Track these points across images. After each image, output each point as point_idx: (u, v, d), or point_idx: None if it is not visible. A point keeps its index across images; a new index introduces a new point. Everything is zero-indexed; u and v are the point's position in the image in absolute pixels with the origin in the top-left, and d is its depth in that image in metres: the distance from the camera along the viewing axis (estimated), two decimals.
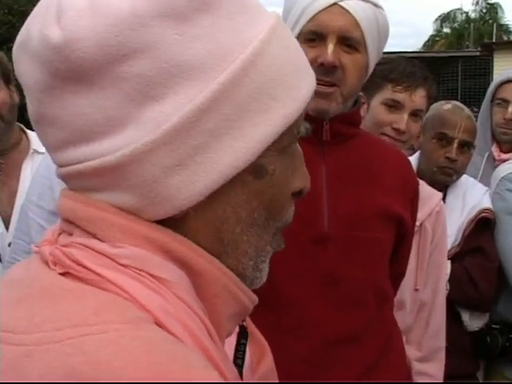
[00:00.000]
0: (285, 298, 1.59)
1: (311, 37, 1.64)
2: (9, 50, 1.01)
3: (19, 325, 0.66)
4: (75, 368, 0.60)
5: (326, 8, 1.62)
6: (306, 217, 1.62)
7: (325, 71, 1.60)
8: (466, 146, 2.59)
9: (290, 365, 1.54)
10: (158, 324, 0.67)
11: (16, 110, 2.54)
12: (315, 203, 1.65)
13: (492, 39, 34.78)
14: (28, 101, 0.75)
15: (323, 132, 1.69)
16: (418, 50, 36.56)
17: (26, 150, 2.63)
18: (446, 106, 2.65)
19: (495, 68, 19.87)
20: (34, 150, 2.59)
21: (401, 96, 2.24)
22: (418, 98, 2.27)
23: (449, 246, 2.49)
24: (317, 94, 1.62)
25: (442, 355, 2.22)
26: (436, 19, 49.84)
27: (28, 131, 2.69)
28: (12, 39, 0.76)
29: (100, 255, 0.70)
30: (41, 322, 0.65)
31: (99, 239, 0.72)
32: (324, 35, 1.62)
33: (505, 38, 40.77)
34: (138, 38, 0.66)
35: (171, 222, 0.73)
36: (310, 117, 1.64)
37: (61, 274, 0.71)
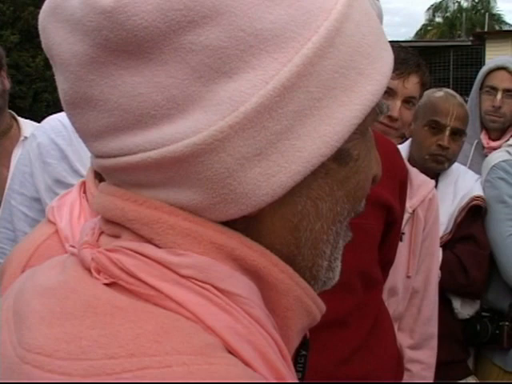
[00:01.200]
0: None
1: None
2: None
3: (59, 348, 0.55)
4: None
5: None
6: None
7: None
8: (458, 133, 2.59)
9: None
10: (228, 349, 0.57)
11: (7, 96, 2.54)
12: None
13: (484, 29, 34.82)
14: (62, 78, 0.62)
15: None
16: (410, 39, 36.51)
17: (16, 137, 2.63)
18: (438, 93, 2.65)
19: (487, 57, 19.86)
20: (25, 137, 2.58)
21: (393, 83, 2.24)
22: (411, 84, 2.27)
23: (440, 234, 2.49)
24: None
25: (434, 343, 2.23)
26: (428, 8, 49.86)
27: (19, 118, 2.69)
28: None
29: (156, 264, 0.59)
30: (87, 346, 0.55)
31: (155, 245, 0.60)
32: None
33: (496, 28, 40.81)
34: (209, 1, 0.55)
35: (241, 222, 0.62)
36: None
37: (106, 284, 0.60)
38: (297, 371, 0.76)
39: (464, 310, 2.59)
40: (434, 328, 2.23)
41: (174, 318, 0.57)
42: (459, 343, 2.63)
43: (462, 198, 2.63)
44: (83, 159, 2.14)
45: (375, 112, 0.67)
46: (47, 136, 2.19)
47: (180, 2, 0.55)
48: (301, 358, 0.78)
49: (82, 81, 0.59)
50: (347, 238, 0.73)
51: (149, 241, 0.61)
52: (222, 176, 0.58)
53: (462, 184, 2.67)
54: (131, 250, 0.60)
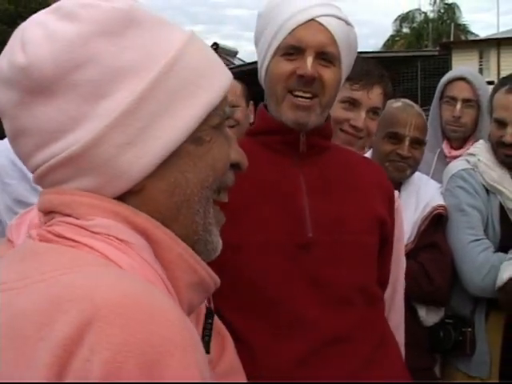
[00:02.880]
0: (273, 302, 1.62)
1: (290, 51, 1.70)
2: None
3: (13, 277, 0.83)
4: (54, 295, 0.76)
5: (305, 23, 1.69)
6: (290, 225, 1.68)
7: (304, 83, 1.67)
8: (418, 143, 2.60)
9: (282, 366, 1.58)
10: None
11: None
12: (297, 211, 1.69)
13: (450, 39, 35.24)
14: (4, 122, 0.92)
15: (300, 144, 1.74)
16: (378, 50, 36.82)
17: None
18: (396, 104, 2.66)
19: (454, 67, 20.08)
20: None
21: (358, 94, 2.29)
22: (375, 95, 2.31)
23: (404, 243, 2.51)
24: (296, 107, 1.68)
25: (402, 351, 2.25)
26: (395, 19, 50.38)
27: None
28: None
29: (76, 227, 0.88)
30: (29, 271, 0.83)
31: (75, 218, 0.89)
32: (302, 49, 1.68)
33: (462, 38, 41.29)
34: (85, 52, 0.86)
35: (133, 195, 0.91)
36: (288, 129, 1.72)
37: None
38: (205, 336, 1.06)
39: (429, 317, 2.61)
40: (401, 337, 2.24)
41: (87, 252, 0.85)
42: (425, 351, 2.64)
43: (424, 206, 2.64)
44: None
45: (220, 113, 0.97)
46: (5, 157, 2.19)
47: (67, 55, 0.86)
48: (207, 325, 1.07)
49: (15, 118, 0.90)
50: (220, 217, 1.04)
51: (70, 215, 0.89)
52: (106, 161, 0.88)
53: (424, 193, 2.68)
54: (61, 222, 0.90)
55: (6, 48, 0.92)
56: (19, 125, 0.90)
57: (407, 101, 2.75)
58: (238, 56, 25.48)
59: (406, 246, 2.53)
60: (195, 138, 0.94)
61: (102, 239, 0.86)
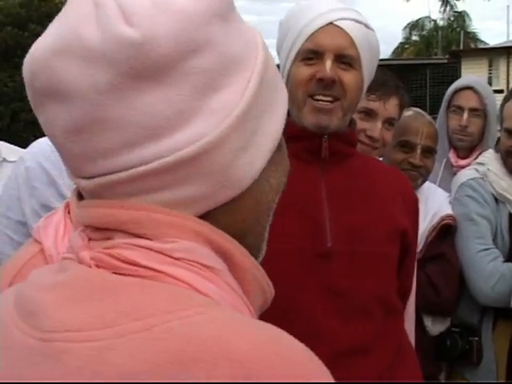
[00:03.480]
0: (292, 311, 1.60)
1: (309, 55, 1.70)
2: None
3: (87, 322, 0.66)
4: (177, 349, 0.62)
5: (323, 27, 1.69)
6: (310, 234, 1.67)
7: (324, 86, 1.67)
8: (429, 151, 2.61)
9: None
10: None
11: None
12: (317, 220, 1.69)
13: (459, 47, 35.26)
14: (69, 108, 0.71)
15: (322, 150, 1.73)
16: (387, 57, 36.84)
17: None
18: (407, 113, 2.66)
19: (463, 75, 20.09)
20: (4, 158, 2.59)
21: (374, 104, 2.30)
22: (391, 106, 2.32)
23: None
24: (318, 110, 1.67)
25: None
26: (405, 27, 50.36)
27: None
28: None
29: (152, 252, 0.71)
30: (114, 317, 0.66)
31: (147, 238, 0.72)
32: (321, 53, 1.68)
33: (472, 46, 41.29)
34: (202, 35, 0.71)
35: (224, 206, 0.77)
36: (310, 134, 1.71)
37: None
38: None
39: (435, 327, 2.60)
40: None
41: (175, 288, 0.70)
42: (431, 359, 2.62)
43: (432, 216, 2.63)
44: (71, 184, 2.14)
45: None
46: (35, 160, 2.19)
47: (186, 36, 0.70)
48: None
49: (99, 106, 0.70)
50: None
51: (141, 236, 0.72)
52: (224, 166, 0.74)
53: (432, 203, 2.67)
54: (128, 244, 0.72)
55: (80, 10, 0.72)
56: (102, 115, 0.70)
57: (418, 110, 2.76)
58: None
59: None
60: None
61: (186, 266, 0.72)
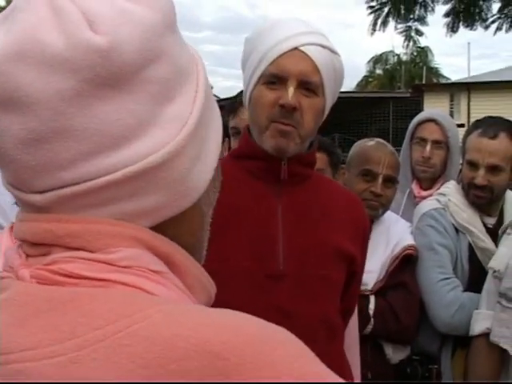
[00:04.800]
0: None
1: (272, 80, 1.70)
2: None
3: (41, 338, 0.63)
4: (144, 352, 0.61)
5: (287, 52, 1.69)
6: (262, 254, 1.69)
7: (285, 113, 1.67)
8: (391, 181, 2.65)
9: None
10: None
11: None
12: (271, 242, 1.70)
13: (422, 81, 35.80)
14: (27, 118, 0.67)
15: (281, 171, 1.74)
16: (351, 90, 37.21)
17: None
18: (370, 142, 2.73)
19: (425, 109, 20.36)
20: None
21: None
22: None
23: (373, 282, 2.55)
24: (278, 133, 1.68)
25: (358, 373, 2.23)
26: (369, 60, 51.06)
27: None
28: None
29: (96, 263, 0.69)
30: (70, 329, 0.63)
31: (90, 251, 0.70)
32: (285, 78, 1.68)
33: (434, 81, 41.97)
34: (160, 45, 0.72)
35: (174, 218, 0.77)
36: (269, 156, 1.72)
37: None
38: None
39: (395, 355, 2.61)
40: (354, 357, 2.20)
41: (130, 291, 0.68)
42: None
43: (394, 246, 2.65)
44: (5, 211, 2.14)
45: None
46: None
47: (147, 44, 0.70)
48: None
49: (61, 115, 0.67)
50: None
51: (80, 249, 0.70)
52: (183, 175, 0.74)
53: (394, 232, 2.70)
54: (70, 257, 0.69)
55: (41, 17, 0.68)
56: (64, 124, 0.67)
57: (380, 140, 2.82)
58: (213, 92, 25.61)
59: (375, 284, 2.57)
60: None
61: (134, 273, 0.70)
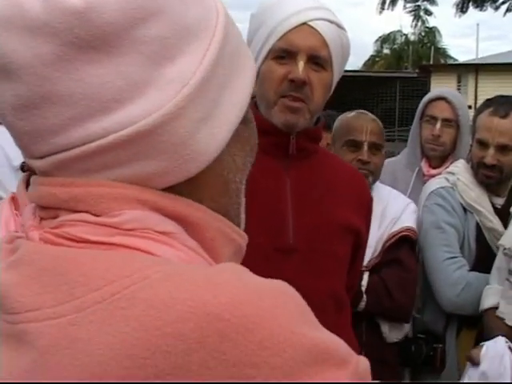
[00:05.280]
0: None
1: (281, 54, 1.72)
2: None
3: (45, 299, 0.64)
4: (141, 316, 0.60)
5: (296, 27, 1.70)
6: (272, 229, 1.70)
7: (295, 87, 1.69)
8: (376, 147, 2.64)
9: None
10: None
11: None
12: (281, 216, 1.72)
13: (430, 61, 35.63)
14: (15, 85, 0.67)
15: (290, 146, 1.76)
16: (358, 69, 37.09)
17: None
18: (350, 114, 2.75)
19: (432, 89, 20.27)
20: None
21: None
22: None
23: (369, 257, 2.51)
24: (288, 109, 1.69)
25: None
26: (377, 40, 50.79)
27: None
28: None
29: (100, 226, 0.68)
30: (70, 289, 0.63)
31: (94, 215, 0.69)
32: (294, 53, 1.70)
33: (442, 61, 41.78)
34: (154, 2, 0.67)
35: (186, 182, 0.73)
36: (278, 131, 1.73)
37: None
38: None
39: (392, 334, 2.58)
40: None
41: (130, 252, 0.67)
42: (390, 368, 2.59)
43: (390, 222, 2.64)
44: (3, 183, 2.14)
45: None
46: None
47: (135, 2, 0.66)
48: None
49: (46, 79, 0.66)
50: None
51: (85, 212, 0.69)
52: (184, 138, 0.70)
53: (392, 208, 2.68)
54: (74, 221, 0.69)
55: None
56: (50, 89, 0.66)
57: (360, 110, 2.83)
58: None
59: (371, 260, 2.55)
60: (244, 115, 0.78)
61: (139, 235, 0.68)
